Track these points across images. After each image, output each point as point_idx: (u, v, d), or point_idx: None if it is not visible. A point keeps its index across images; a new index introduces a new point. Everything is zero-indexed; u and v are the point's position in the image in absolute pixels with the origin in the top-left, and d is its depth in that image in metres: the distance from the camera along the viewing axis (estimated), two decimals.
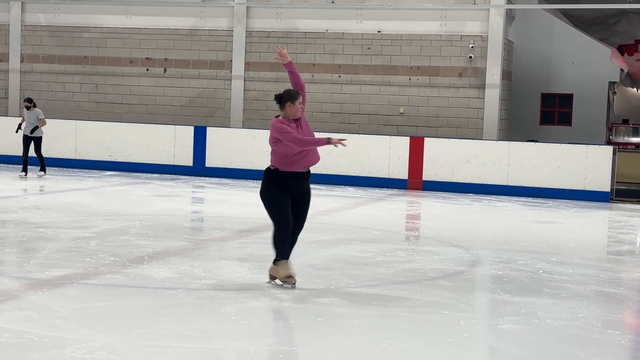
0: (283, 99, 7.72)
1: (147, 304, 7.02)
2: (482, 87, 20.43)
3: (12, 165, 19.50)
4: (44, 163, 17.60)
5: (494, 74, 20.31)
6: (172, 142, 19.80)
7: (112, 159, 20.11)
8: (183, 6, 22.14)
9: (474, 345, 6.36)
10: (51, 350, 5.57)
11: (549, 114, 23.93)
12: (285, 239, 7.69)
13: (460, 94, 20.59)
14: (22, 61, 23.31)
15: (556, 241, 11.70)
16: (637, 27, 27.72)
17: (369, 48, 21.07)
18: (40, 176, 17.42)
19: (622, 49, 28.13)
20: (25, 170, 17.34)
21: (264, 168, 7.86)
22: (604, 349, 6.22)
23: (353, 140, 18.72)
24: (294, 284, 7.67)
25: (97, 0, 22.57)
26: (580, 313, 7.22)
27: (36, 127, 17.29)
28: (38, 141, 17.42)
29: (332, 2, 21.20)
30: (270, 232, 7.90)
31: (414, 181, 18.33)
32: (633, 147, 28.21)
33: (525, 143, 18.75)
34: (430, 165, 18.27)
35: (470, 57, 20.44)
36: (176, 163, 19.74)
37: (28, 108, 17.34)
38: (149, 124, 20.43)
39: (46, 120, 17.83)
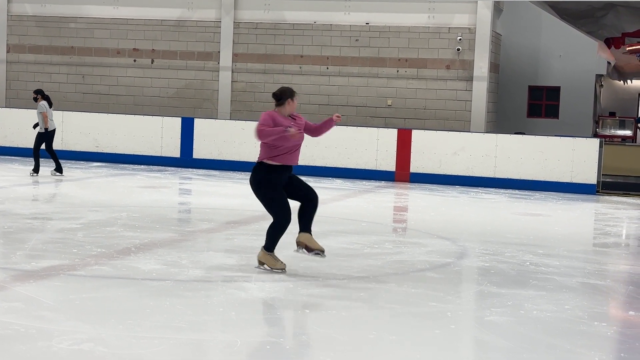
0: (284, 96, 7.83)
1: (134, 295, 7.01)
2: (470, 79, 20.46)
3: (3, 157, 19.45)
4: (38, 163, 16.13)
5: (481, 67, 20.34)
6: (159, 134, 19.73)
7: (99, 150, 20.02)
8: None
9: (460, 336, 6.38)
10: (38, 341, 5.56)
11: (537, 106, 24.00)
12: (282, 234, 7.94)
13: (448, 86, 20.62)
14: (8, 51, 23.18)
15: (543, 233, 11.74)
16: (625, 21, 27.77)
17: (357, 40, 21.05)
18: (32, 175, 16.08)
19: (610, 42, 28.22)
20: (36, 169, 16.09)
21: (251, 160, 7.89)
22: (590, 341, 6.25)
23: (341, 132, 18.75)
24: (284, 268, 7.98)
25: None
26: (567, 305, 7.25)
27: (38, 123, 16.13)
28: (38, 137, 16.17)
29: None
30: (259, 224, 7.91)
31: (402, 173, 18.35)
32: (619, 139, 28.33)
33: (512, 135, 18.79)
34: (417, 158, 18.29)
35: (458, 50, 20.46)
36: (163, 154, 19.68)
37: (35, 100, 16.18)
38: (136, 115, 20.34)
39: (46, 114, 16.03)
